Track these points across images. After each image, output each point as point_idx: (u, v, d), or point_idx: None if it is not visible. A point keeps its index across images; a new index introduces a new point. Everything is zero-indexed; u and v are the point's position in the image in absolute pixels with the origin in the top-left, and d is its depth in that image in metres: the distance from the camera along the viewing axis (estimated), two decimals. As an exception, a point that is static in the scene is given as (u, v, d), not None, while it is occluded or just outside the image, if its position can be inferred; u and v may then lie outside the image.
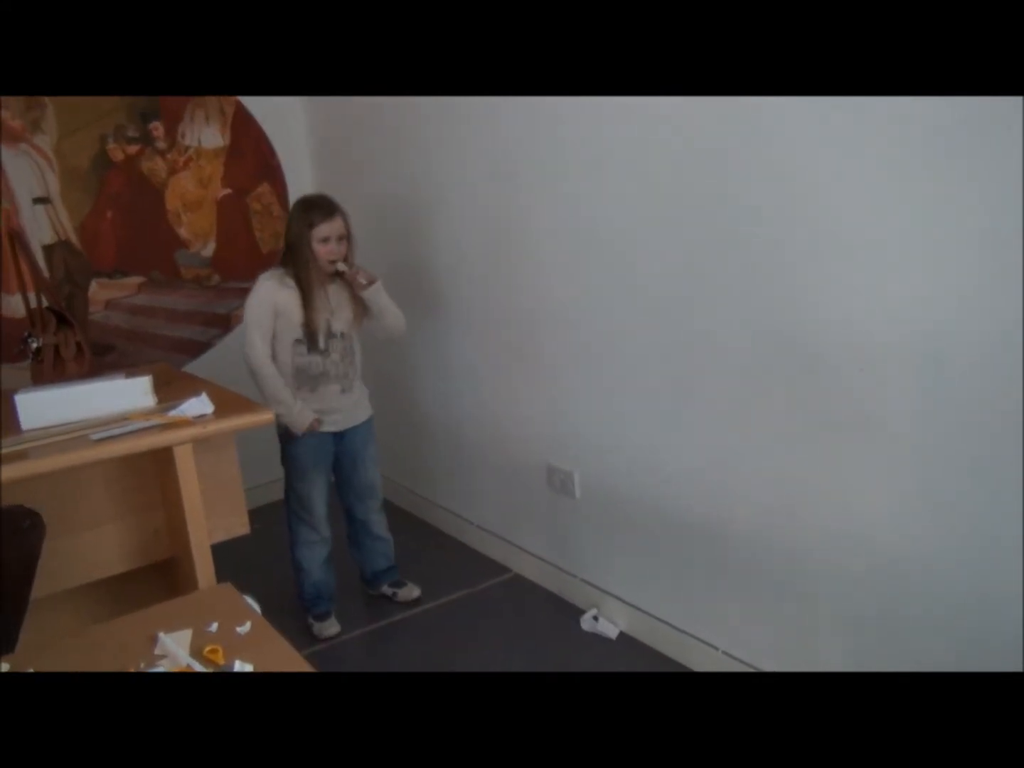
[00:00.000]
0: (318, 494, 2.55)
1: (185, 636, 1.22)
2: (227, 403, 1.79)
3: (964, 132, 1.44)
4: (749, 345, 1.90)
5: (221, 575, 1.71)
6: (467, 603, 2.73)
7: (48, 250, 3.10)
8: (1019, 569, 1.51)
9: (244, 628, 1.25)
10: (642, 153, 2.05)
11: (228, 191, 3.43)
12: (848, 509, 1.78)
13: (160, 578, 1.90)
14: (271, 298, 2.40)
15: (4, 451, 1.56)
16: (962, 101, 1.40)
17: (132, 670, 1.14)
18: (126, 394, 1.80)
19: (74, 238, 3.15)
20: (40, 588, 1.47)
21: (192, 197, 3.36)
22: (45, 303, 2.19)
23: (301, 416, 2.42)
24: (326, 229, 2.38)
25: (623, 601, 2.46)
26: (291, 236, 2.43)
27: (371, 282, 2.44)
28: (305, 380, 2.47)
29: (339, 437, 2.57)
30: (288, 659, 1.16)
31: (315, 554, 2.59)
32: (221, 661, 1.15)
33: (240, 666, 1.13)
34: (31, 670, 1.14)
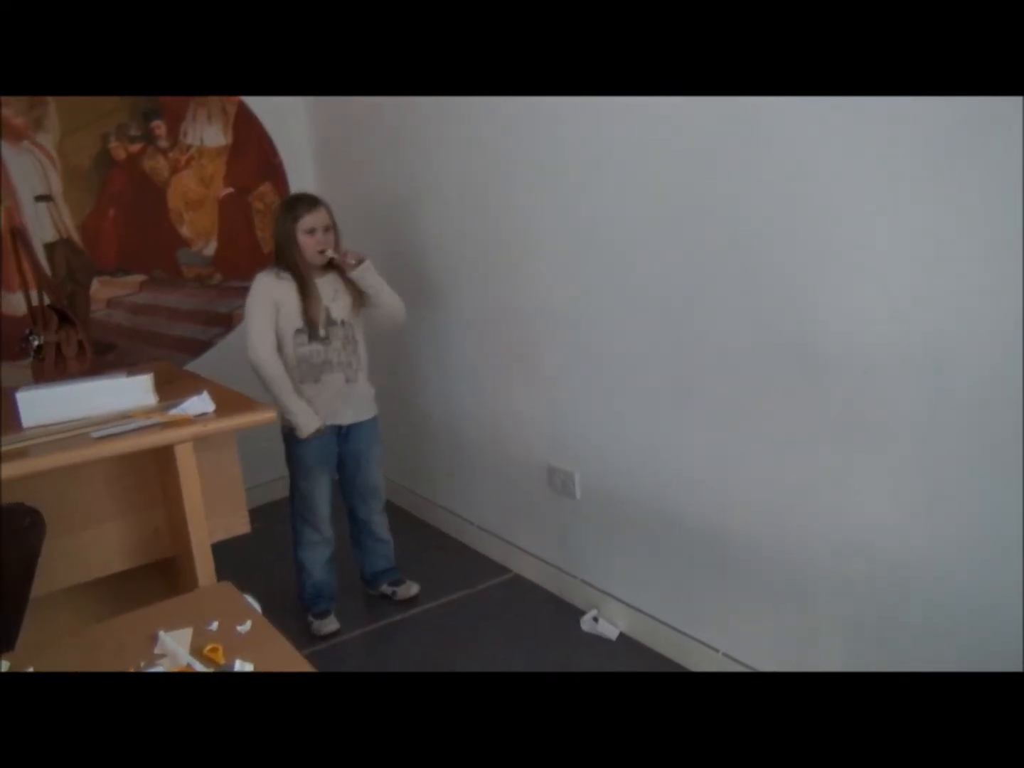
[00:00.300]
0: (322, 494, 2.56)
1: (185, 635, 1.22)
2: (228, 402, 1.80)
3: (964, 132, 1.44)
4: (749, 345, 1.90)
5: (221, 574, 1.71)
6: (467, 603, 2.73)
7: (50, 248, 3.11)
8: (1020, 574, 1.50)
9: (244, 627, 1.25)
10: (642, 153, 2.05)
11: (230, 190, 3.43)
12: (849, 512, 1.78)
13: (160, 577, 1.90)
14: (269, 292, 2.43)
15: (4, 449, 1.56)
16: (962, 101, 1.40)
17: (132, 669, 1.14)
18: (127, 392, 1.80)
19: (76, 236, 3.15)
20: (40, 586, 1.47)
21: (194, 196, 3.36)
22: (47, 301, 2.19)
23: (307, 419, 2.43)
24: (311, 220, 2.42)
25: (623, 602, 2.45)
26: (279, 234, 2.47)
27: (359, 262, 2.46)
28: (308, 370, 2.48)
29: (343, 437, 2.57)
30: (288, 658, 1.16)
31: (317, 555, 2.60)
32: (221, 660, 1.15)
33: (240, 665, 1.13)
34: (31, 669, 1.14)
